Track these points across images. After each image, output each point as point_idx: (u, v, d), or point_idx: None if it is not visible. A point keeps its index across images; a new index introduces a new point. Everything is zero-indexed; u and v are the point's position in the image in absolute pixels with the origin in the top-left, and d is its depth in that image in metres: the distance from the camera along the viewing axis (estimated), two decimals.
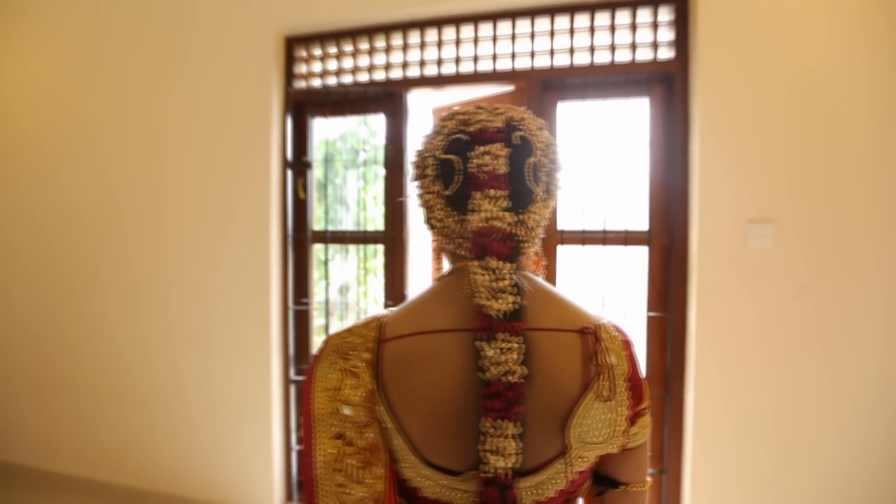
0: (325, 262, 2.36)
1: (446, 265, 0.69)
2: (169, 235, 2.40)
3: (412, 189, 0.70)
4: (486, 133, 0.60)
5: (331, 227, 2.33)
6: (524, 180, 0.60)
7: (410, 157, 2.16)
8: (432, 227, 0.67)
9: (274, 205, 2.26)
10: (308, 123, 2.35)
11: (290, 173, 2.29)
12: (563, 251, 2.10)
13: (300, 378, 2.40)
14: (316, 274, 3.70)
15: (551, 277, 2.11)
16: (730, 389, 1.84)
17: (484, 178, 0.59)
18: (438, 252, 0.70)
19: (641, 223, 2.07)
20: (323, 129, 2.34)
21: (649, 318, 2.03)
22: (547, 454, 0.58)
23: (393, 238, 2.26)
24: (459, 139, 0.62)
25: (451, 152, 0.62)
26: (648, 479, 0.67)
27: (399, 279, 2.24)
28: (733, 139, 1.81)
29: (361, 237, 2.29)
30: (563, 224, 2.08)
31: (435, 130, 0.66)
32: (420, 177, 0.66)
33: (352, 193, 3.45)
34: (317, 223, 2.40)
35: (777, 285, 1.79)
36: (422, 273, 2.42)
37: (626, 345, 0.62)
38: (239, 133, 2.27)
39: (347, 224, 3.10)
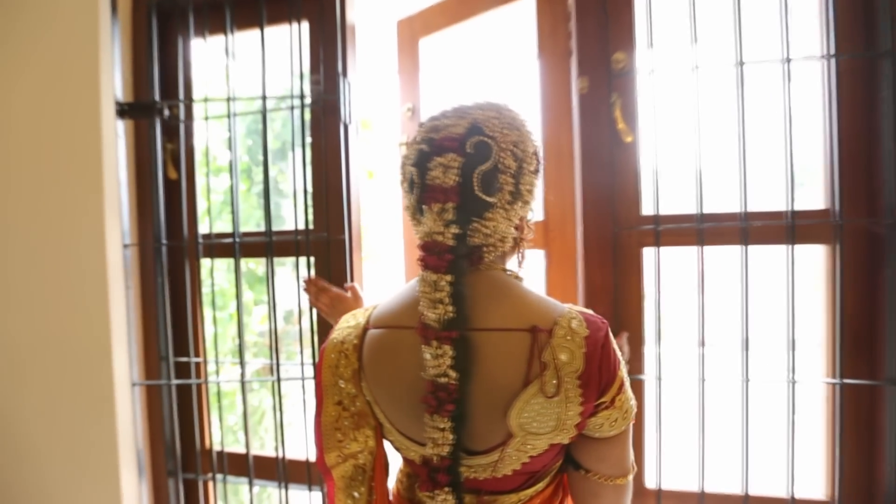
0: (213, 280, 1.32)
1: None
2: None
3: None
4: (444, 142, 0.62)
5: (242, 229, 1.27)
6: (472, 191, 0.61)
7: (353, 98, 1.20)
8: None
9: (109, 188, 1.22)
10: (179, 49, 1.31)
11: (120, 126, 1.22)
12: (654, 257, 1.08)
13: None
14: (249, 295, 2.66)
15: (633, 298, 1.09)
16: None
17: (432, 191, 0.62)
18: None
19: (812, 198, 1.06)
20: (216, 67, 1.29)
21: (842, 389, 1.01)
22: (495, 439, 0.63)
23: (327, 243, 1.22)
24: (422, 150, 0.64)
25: (415, 163, 0.65)
26: (619, 480, 0.66)
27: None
28: None
29: (272, 244, 1.24)
30: (652, 208, 1.06)
31: (412, 137, 0.68)
32: (401, 183, 0.70)
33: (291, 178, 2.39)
34: (244, 224, 1.34)
35: None
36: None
37: (587, 341, 0.61)
38: (47, 59, 1.22)
39: (291, 224, 2.02)
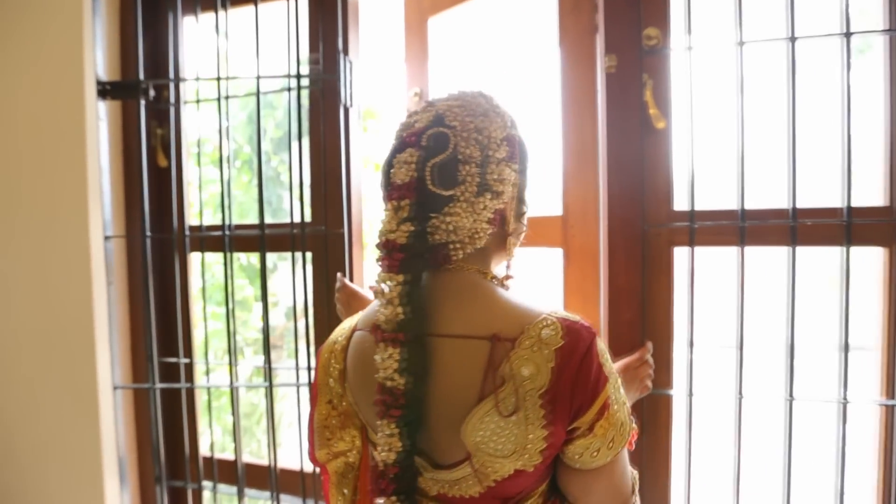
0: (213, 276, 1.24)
1: None
2: None
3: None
4: (407, 138, 0.60)
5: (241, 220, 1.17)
6: (426, 185, 0.58)
7: (355, 79, 1.10)
8: None
9: (91, 175, 1.13)
10: (168, 27, 1.22)
11: (102, 108, 1.13)
12: (686, 258, 0.97)
13: None
14: (249, 290, 2.58)
15: (662, 303, 0.98)
16: None
17: (391, 190, 0.59)
18: None
19: (870, 194, 0.94)
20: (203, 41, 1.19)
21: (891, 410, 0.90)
22: (456, 455, 0.58)
23: (325, 237, 1.13)
24: (391, 149, 0.63)
25: (385, 163, 0.63)
26: None
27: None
28: None
29: (265, 237, 1.15)
30: (686, 203, 0.95)
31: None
32: None
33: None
34: (241, 216, 1.23)
35: None
36: None
37: (560, 353, 0.53)
38: (25, 34, 1.14)
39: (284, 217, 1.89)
